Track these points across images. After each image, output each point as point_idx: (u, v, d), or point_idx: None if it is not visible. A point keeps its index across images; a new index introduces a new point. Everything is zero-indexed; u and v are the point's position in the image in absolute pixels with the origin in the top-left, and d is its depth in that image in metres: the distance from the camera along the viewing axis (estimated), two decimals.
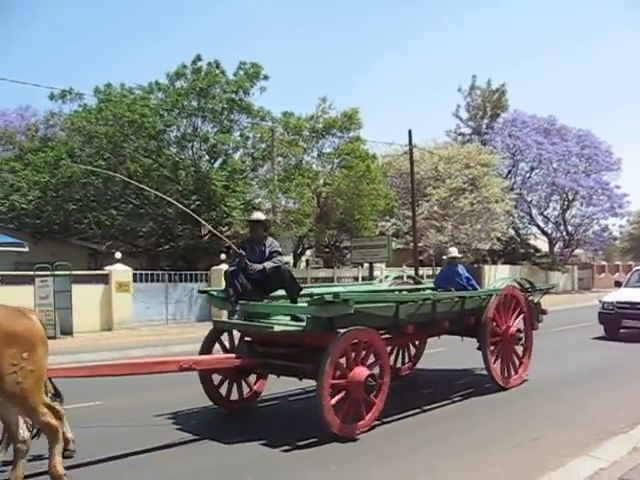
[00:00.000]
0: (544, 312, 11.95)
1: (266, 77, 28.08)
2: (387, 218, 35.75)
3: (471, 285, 11.41)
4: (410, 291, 11.56)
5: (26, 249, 23.88)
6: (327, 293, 7.90)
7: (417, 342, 11.55)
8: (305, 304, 7.98)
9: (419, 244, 32.56)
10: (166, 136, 27.81)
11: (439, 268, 34.63)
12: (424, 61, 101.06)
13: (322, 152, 31.19)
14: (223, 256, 24.40)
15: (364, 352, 7.77)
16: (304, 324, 7.77)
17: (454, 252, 12.09)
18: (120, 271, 22.24)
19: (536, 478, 5.99)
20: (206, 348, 8.83)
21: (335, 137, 30.54)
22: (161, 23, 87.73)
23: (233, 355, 8.37)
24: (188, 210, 10.89)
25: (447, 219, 34.68)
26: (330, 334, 7.62)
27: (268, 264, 8.42)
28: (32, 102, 41.05)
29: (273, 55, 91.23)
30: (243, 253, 8.43)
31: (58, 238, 29.27)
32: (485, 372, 10.30)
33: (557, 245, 49.97)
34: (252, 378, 9.22)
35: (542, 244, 51.06)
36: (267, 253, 8.61)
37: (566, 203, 47.97)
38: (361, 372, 7.55)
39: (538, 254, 49.66)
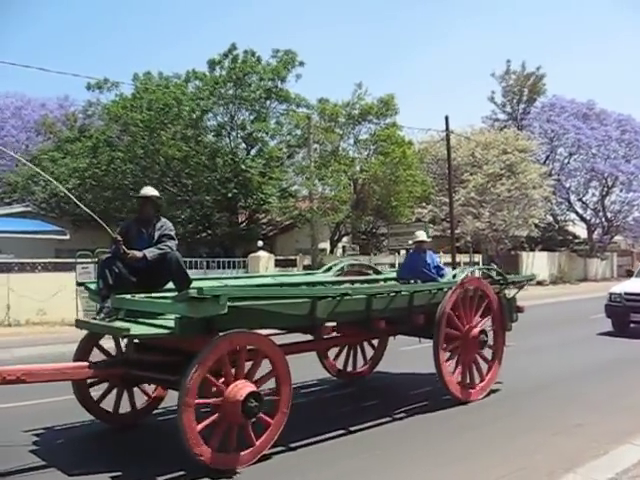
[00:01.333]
0: (520, 309, 10.00)
1: (301, 63, 28.13)
2: (424, 205, 35.53)
3: (441, 275, 9.71)
4: (352, 283, 9.65)
5: (67, 237, 24.29)
6: (198, 288, 5.98)
7: (371, 342, 10.24)
8: (170, 301, 6.34)
9: (456, 231, 32.37)
10: (203, 124, 27.98)
11: (477, 255, 34.72)
12: (460, 47, 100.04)
13: (358, 138, 31.12)
14: (260, 243, 24.52)
15: (250, 362, 6.26)
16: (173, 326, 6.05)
17: (421, 235, 10.08)
18: None
19: (579, 465, 5.96)
20: (81, 353, 7.19)
21: (371, 123, 30.43)
22: (198, 12, 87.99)
23: (85, 364, 6.64)
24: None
25: (484, 205, 34.37)
26: (206, 339, 5.96)
27: (151, 251, 6.94)
28: (71, 92, 41.54)
29: (308, 42, 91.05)
30: (118, 237, 6.89)
31: (98, 226, 29.55)
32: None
33: (596, 232, 49.16)
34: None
35: (580, 231, 50.38)
36: (156, 237, 7.16)
37: (605, 189, 47.11)
38: (240, 389, 5.95)
39: (576, 241, 49.09)
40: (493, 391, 9.19)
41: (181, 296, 6.01)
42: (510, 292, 9.92)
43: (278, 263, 25.16)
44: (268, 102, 28.25)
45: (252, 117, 28.31)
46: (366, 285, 9.38)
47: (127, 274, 6.92)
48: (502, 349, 9.35)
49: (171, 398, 7.13)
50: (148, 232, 7.21)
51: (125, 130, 27.53)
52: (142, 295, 6.74)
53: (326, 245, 31.28)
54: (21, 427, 7.37)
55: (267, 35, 80.00)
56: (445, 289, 8.55)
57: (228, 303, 5.78)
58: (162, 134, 26.64)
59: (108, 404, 7.46)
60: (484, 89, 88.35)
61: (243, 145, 29.02)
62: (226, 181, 26.60)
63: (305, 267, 25.55)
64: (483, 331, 8.86)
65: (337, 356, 10.25)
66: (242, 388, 5.95)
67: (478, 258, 34.51)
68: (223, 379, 5.99)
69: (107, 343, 7.42)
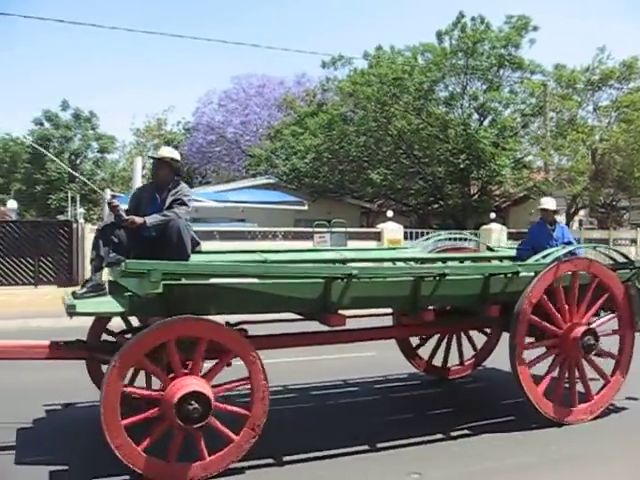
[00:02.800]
0: None
1: (535, 28, 27.24)
2: None
3: (578, 251, 7.91)
4: (434, 261, 7.74)
5: (305, 207, 25.67)
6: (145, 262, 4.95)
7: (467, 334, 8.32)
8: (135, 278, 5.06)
9: None
10: (434, 95, 28.07)
11: None
12: None
13: (598, 105, 29.46)
14: (492, 215, 24.23)
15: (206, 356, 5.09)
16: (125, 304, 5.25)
17: (546, 203, 8.48)
18: (392, 229, 22.95)
19: None
20: (97, 328, 6.58)
21: (613, 89, 28.67)
22: None
23: (46, 343, 5.55)
24: None
25: None
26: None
27: (154, 217, 6.10)
28: (307, 69, 43.40)
29: (540, 3, 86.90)
30: (114, 202, 6.19)
31: (333, 197, 30.91)
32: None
33: None
34: None
35: None
36: (168, 203, 6.29)
37: None
38: (180, 388, 4.82)
39: None
40: (614, 410, 6.88)
41: (123, 270, 4.89)
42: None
43: (511, 236, 24.71)
44: (501, 70, 27.70)
45: (484, 87, 27.93)
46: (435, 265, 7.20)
47: (131, 243, 6.09)
48: (629, 357, 6.82)
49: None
50: (162, 197, 6.34)
51: (358, 104, 28.40)
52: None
53: (561, 219, 30.14)
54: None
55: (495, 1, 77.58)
56: (526, 272, 6.36)
57: (168, 281, 4.85)
58: (393, 107, 27.13)
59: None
60: None
61: (475, 115, 28.75)
62: (458, 152, 26.56)
63: None
64: (590, 331, 6.40)
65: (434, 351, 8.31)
66: (183, 386, 4.81)
67: None
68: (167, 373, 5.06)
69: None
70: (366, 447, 5.69)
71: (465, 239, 11.00)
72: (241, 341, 5.12)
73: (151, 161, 8.08)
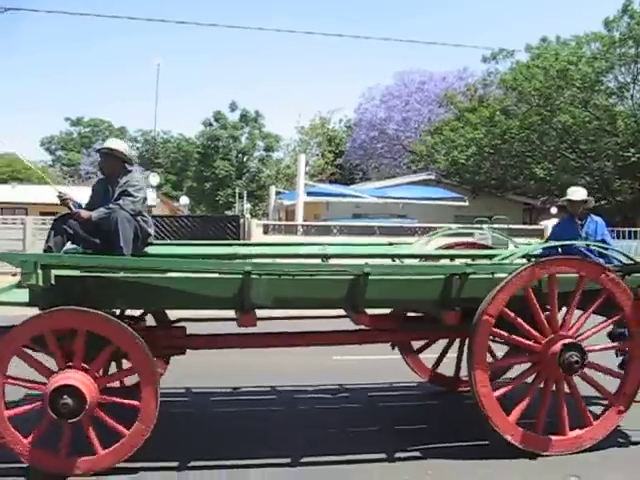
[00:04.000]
0: None
1: None
2: None
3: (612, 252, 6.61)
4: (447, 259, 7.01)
5: (466, 203, 25.52)
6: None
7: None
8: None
9: None
10: (601, 86, 26.91)
11: None
12: None
13: None
14: None
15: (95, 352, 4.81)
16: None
17: (574, 193, 7.23)
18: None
19: None
20: None
21: None
22: None
23: None
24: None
25: None
26: None
27: (99, 210, 6.00)
28: (469, 64, 42.85)
29: None
30: (63, 195, 6.17)
31: (495, 193, 30.45)
32: None
33: None
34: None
35: None
36: (116, 194, 6.17)
37: None
38: (56, 382, 4.61)
39: None
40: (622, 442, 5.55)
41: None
42: None
43: None
44: None
45: None
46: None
47: (87, 235, 6.07)
48: (637, 376, 5.44)
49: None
50: (113, 190, 6.24)
51: (521, 98, 27.79)
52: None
53: None
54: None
55: None
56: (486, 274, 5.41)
57: (55, 272, 4.76)
58: (557, 100, 26.31)
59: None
60: None
61: None
62: (628, 146, 25.34)
63: None
64: (574, 346, 5.16)
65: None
66: (57, 380, 4.62)
67: None
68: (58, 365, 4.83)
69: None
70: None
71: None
72: (125, 334, 4.74)
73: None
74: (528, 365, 5.45)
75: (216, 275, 5.06)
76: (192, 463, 4.97)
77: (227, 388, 7.12)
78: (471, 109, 31.28)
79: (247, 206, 31.84)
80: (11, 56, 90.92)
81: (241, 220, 20.76)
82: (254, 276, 4.91)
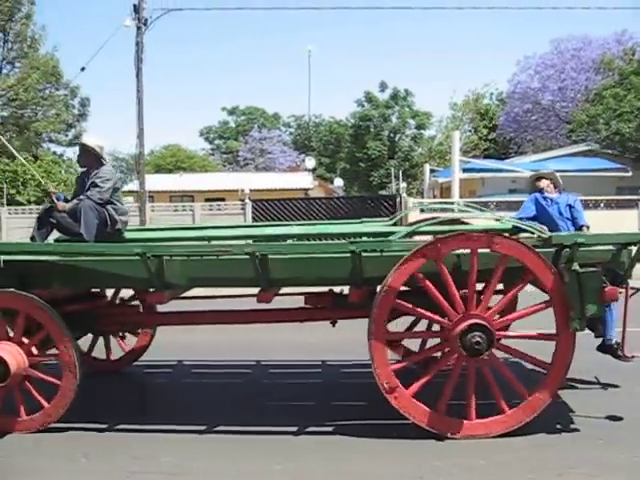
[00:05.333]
0: (610, 295, 4.98)
1: None
2: None
3: (580, 218, 6.75)
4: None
5: (629, 174, 24.49)
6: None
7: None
8: None
9: None
10: None
11: None
12: None
13: None
14: None
15: (21, 326, 5.35)
16: None
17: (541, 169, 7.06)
18: None
19: None
20: None
21: None
22: None
23: None
24: None
25: None
26: None
27: (71, 202, 6.63)
28: (629, 26, 40.61)
29: None
30: (50, 188, 7.02)
31: None
32: None
33: None
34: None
35: None
36: (87, 186, 6.71)
37: None
38: None
39: None
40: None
41: None
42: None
43: None
44: None
45: None
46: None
47: (67, 224, 6.62)
48: (563, 367, 5.03)
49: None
50: (88, 182, 6.76)
51: None
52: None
53: None
54: None
55: None
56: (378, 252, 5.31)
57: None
58: None
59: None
60: None
61: None
62: None
63: None
64: (480, 327, 4.93)
65: None
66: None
67: None
68: None
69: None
70: None
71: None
72: (36, 305, 5.23)
73: None
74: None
75: (123, 257, 5.46)
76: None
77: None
78: (636, 72, 29.68)
79: (403, 185, 32.14)
80: (173, 53, 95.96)
81: (397, 199, 21.15)
82: (151, 258, 5.25)
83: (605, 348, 6.23)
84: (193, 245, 6.09)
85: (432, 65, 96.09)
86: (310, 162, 38.68)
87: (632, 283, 5.38)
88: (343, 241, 6.03)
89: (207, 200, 28.52)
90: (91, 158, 6.84)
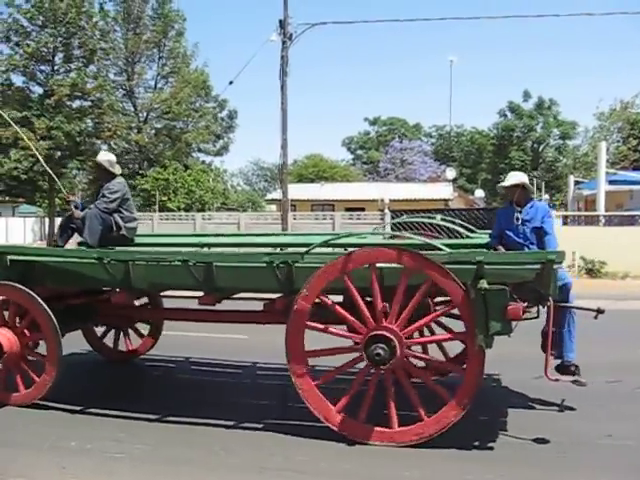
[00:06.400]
0: (513, 314, 4.86)
1: None
2: None
3: (548, 240, 6.29)
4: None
5: None
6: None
7: None
8: None
9: None
10: None
11: None
12: None
13: None
14: None
15: (14, 314, 6.23)
16: None
17: (509, 178, 6.68)
18: None
19: None
20: None
21: None
22: None
23: None
24: None
25: None
26: None
27: (84, 211, 7.39)
28: None
29: None
30: (69, 197, 7.98)
31: None
32: None
33: None
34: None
35: None
36: (98, 197, 7.50)
37: None
38: None
39: None
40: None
41: None
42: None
43: None
44: None
45: None
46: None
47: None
48: (473, 378, 5.00)
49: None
50: (100, 193, 7.51)
51: None
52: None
53: None
54: None
55: None
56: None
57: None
58: None
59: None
60: None
61: None
62: None
63: None
64: (383, 338, 5.03)
65: None
66: None
67: None
68: None
69: None
70: None
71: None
72: (28, 297, 5.99)
73: None
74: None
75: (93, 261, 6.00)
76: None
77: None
78: None
79: (545, 197, 31.37)
80: (316, 65, 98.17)
81: None
82: (111, 262, 5.83)
83: (563, 369, 6.08)
84: (158, 252, 6.46)
85: (577, 73, 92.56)
86: (451, 173, 38.44)
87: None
88: (263, 252, 6.38)
89: (347, 209, 29.04)
90: (102, 172, 7.63)
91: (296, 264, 5.33)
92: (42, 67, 33.47)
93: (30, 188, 34.75)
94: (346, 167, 61.75)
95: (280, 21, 24.25)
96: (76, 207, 7.53)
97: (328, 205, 34.32)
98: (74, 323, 6.80)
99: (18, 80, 33.56)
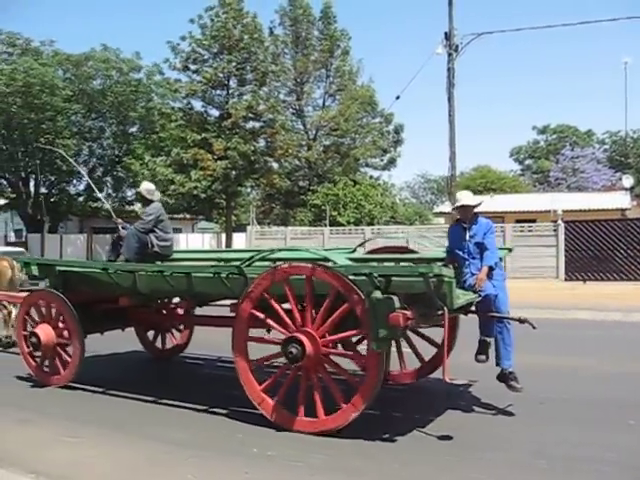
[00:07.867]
0: (394, 323, 5.48)
1: None
2: None
3: (486, 256, 6.72)
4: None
5: None
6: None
7: None
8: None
9: None
10: None
11: None
12: None
13: None
14: None
15: (50, 313, 7.93)
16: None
17: (463, 198, 7.00)
18: None
19: None
20: None
21: None
22: None
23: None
24: None
25: None
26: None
27: (126, 231, 8.86)
28: None
29: None
30: (118, 220, 9.38)
31: None
32: None
33: None
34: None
35: None
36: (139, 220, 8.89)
37: None
38: (35, 329, 7.89)
39: None
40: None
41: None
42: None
43: None
44: None
45: None
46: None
47: None
48: (373, 377, 5.67)
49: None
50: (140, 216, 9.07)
51: None
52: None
53: None
54: None
55: None
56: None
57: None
58: None
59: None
60: None
61: None
62: None
63: None
64: (295, 340, 5.87)
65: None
66: (36, 328, 7.91)
67: None
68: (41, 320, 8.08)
69: None
70: None
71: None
72: (61, 303, 7.66)
73: None
74: None
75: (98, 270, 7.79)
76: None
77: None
78: None
79: None
80: (482, 75, 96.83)
81: None
82: (115, 272, 7.42)
83: (501, 377, 6.59)
84: (152, 266, 7.62)
85: None
86: (628, 180, 36.48)
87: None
88: (213, 264, 7.67)
89: (517, 221, 28.44)
90: (142, 198, 9.01)
91: (233, 276, 6.39)
92: (218, 91, 35.38)
93: (208, 206, 36.69)
94: (515, 178, 60.28)
95: (445, 33, 24.44)
96: (123, 228, 9.05)
97: (498, 217, 33.72)
98: (106, 324, 8.41)
99: (197, 104, 35.64)
